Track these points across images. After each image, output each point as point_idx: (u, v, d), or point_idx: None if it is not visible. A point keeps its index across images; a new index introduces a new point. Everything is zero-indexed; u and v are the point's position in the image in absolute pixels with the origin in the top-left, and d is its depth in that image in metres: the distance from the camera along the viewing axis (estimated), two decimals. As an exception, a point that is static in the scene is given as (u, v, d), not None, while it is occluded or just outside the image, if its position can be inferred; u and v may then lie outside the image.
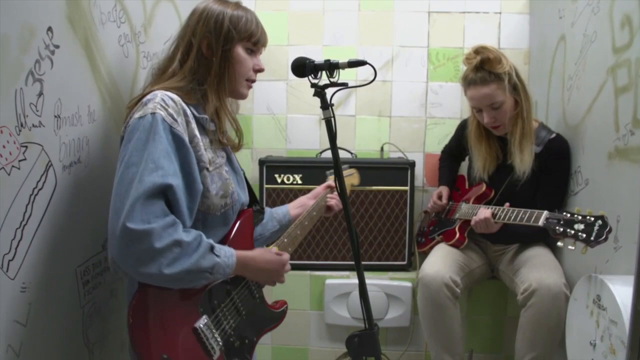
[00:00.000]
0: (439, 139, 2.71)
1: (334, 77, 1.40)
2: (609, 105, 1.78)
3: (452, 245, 2.19)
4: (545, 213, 1.68)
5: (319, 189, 1.83)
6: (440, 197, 2.39)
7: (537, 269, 1.92)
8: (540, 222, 1.68)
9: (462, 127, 2.35)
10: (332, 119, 1.40)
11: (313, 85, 1.42)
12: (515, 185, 2.08)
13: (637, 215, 1.57)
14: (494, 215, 1.93)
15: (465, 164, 2.52)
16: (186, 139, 1.23)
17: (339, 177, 1.41)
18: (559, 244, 1.60)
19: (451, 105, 2.72)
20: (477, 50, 2.01)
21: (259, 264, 1.37)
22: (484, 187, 2.19)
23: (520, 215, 1.79)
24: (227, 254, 1.27)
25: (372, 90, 2.74)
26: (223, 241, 1.36)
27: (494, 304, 2.38)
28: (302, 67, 1.41)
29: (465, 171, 2.48)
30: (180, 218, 1.19)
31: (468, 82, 2.03)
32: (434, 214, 2.47)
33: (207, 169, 1.29)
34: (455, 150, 2.48)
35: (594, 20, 1.93)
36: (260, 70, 1.46)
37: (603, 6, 1.85)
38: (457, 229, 2.20)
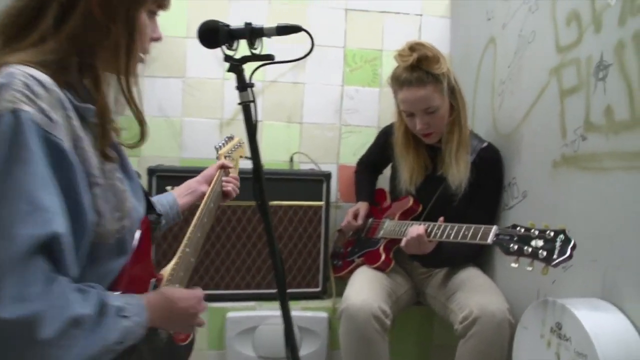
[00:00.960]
0: (354, 149, 2.45)
1: (255, 48, 1.06)
2: (553, 109, 1.60)
3: (377, 269, 1.91)
4: (495, 228, 1.44)
5: (210, 170, 1.50)
6: (356, 217, 2.11)
7: (476, 294, 1.68)
8: (490, 239, 1.43)
9: (386, 133, 2.09)
10: (252, 104, 1.04)
11: (228, 58, 1.06)
12: (447, 199, 1.85)
13: (592, 229, 1.38)
14: (428, 232, 1.66)
15: (383, 177, 2.27)
16: (68, 148, 0.81)
17: (260, 184, 1.06)
18: (514, 264, 1.36)
19: (368, 113, 2.47)
20: (413, 47, 1.76)
21: (173, 306, 0.99)
22: (410, 201, 1.94)
23: (462, 232, 1.53)
24: (137, 310, 0.88)
25: (281, 93, 2.42)
26: (119, 277, 0.94)
27: (419, 332, 2.12)
28: (213, 33, 1.05)
29: (384, 184, 2.23)
30: (65, 272, 0.78)
31: (401, 83, 1.77)
32: (350, 233, 2.18)
33: (98, 183, 0.87)
34: (374, 160, 2.22)
35: (531, 19, 1.77)
36: (158, 39, 1.05)
37: (543, 4, 1.69)
38: (381, 249, 1.92)
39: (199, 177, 1.47)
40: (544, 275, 1.29)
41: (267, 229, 1.00)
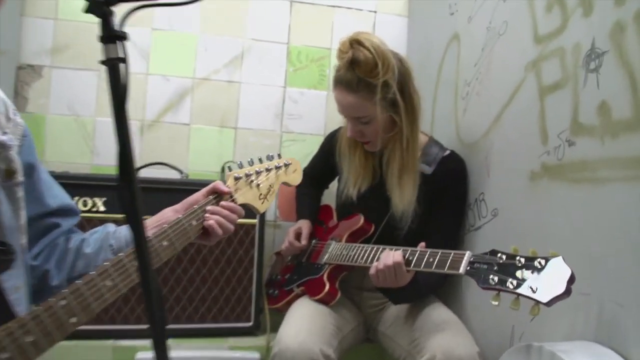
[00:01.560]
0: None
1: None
2: (530, 110, 1.34)
3: (320, 301, 1.58)
4: (468, 255, 1.15)
5: (197, 195, 1.14)
6: (299, 237, 1.78)
7: (439, 333, 1.37)
8: (462, 269, 1.13)
9: (332, 138, 1.79)
10: (123, 63, 0.68)
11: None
12: (401, 219, 1.55)
13: (583, 255, 1.11)
14: (407, 260, 1.31)
15: (330, 193, 1.96)
16: None
17: (129, 184, 0.70)
18: (494, 302, 1.06)
19: (313, 119, 2.16)
20: (352, 43, 1.47)
21: None
22: (361, 221, 1.63)
23: (438, 259, 1.22)
24: None
25: (214, 93, 2.09)
26: None
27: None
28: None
29: (330, 200, 1.91)
30: None
31: (335, 80, 1.53)
32: (289, 258, 1.85)
33: None
34: (319, 172, 1.91)
35: (502, 8, 1.52)
36: None
37: (516, -11, 1.44)
38: (325, 277, 1.60)
39: (178, 205, 1.12)
40: (533, 315, 0.99)
41: (138, 248, 0.64)
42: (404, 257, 1.30)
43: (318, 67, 2.16)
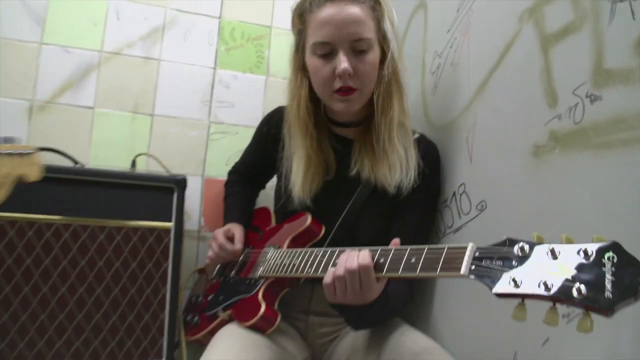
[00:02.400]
0: (227, 156, 1.75)
1: None
2: (529, 68, 1.04)
3: (253, 327, 1.17)
4: (471, 248, 0.79)
5: None
6: (231, 240, 1.38)
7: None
8: (464, 268, 0.77)
9: (270, 121, 1.42)
10: None
11: None
12: (365, 211, 1.20)
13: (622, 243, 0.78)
14: (377, 264, 0.92)
15: (266, 196, 1.58)
16: None
17: None
18: (518, 318, 0.69)
19: (249, 107, 1.80)
20: None
21: None
22: (308, 220, 1.26)
23: (424, 258, 0.84)
24: None
25: (126, 71, 1.70)
26: None
27: None
28: None
29: (266, 201, 1.53)
30: None
31: None
32: (216, 273, 1.44)
33: None
34: (253, 166, 1.53)
35: (482, -44, 1.23)
36: None
37: None
38: (260, 295, 1.20)
39: None
40: (584, 332, 0.64)
41: None
42: (372, 258, 0.93)
43: (255, 47, 1.81)
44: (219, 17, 1.79)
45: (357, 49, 1.15)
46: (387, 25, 1.19)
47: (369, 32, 1.16)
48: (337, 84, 1.16)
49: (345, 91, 1.16)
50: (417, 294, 1.30)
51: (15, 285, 1.32)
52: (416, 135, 1.28)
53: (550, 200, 0.95)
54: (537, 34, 1.03)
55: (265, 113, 1.69)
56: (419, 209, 1.25)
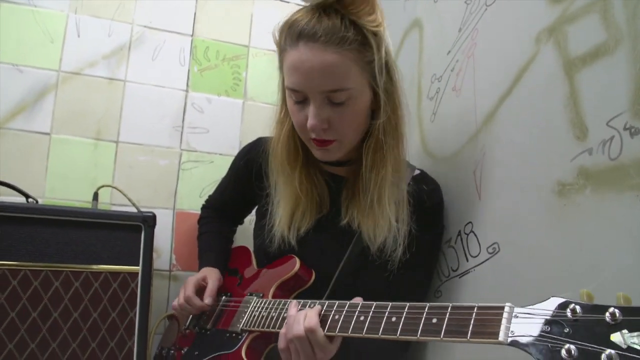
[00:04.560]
0: (201, 188, 1.60)
1: None
2: (550, 94, 0.92)
3: (234, 391, 1.02)
4: (509, 310, 0.65)
5: None
6: (200, 291, 1.21)
7: None
8: (502, 335, 0.63)
9: (249, 152, 1.27)
10: None
11: None
12: (365, 263, 1.06)
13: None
14: (324, 320, 0.85)
15: (243, 229, 1.43)
16: None
17: None
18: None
19: (225, 134, 1.66)
20: None
21: None
22: (297, 265, 1.11)
23: (447, 320, 0.70)
24: None
25: (88, 93, 1.53)
26: None
27: None
28: None
29: (244, 240, 1.38)
30: None
31: (297, 34, 0.95)
32: (189, 322, 1.27)
33: None
34: (232, 201, 1.38)
35: (488, -30, 1.13)
36: None
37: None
38: (244, 352, 1.04)
39: None
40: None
41: None
42: (319, 314, 0.86)
43: (232, 68, 1.67)
44: (192, 35, 1.64)
45: (333, 100, 0.98)
46: (380, 66, 0.99)
47: (350, 82, 0.97)
48: (311, 134, 1.01)
49: (321, 142, 1.02)
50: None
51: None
52: (416, 172, 1.15)
53: (580, 248, 0.83)
54: (559, 57, 0.92)
55: (243, 139, 1.55)
56: (422, 253, 1.11)
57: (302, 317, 0.86)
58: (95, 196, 1.45)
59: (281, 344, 0.90)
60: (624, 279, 0.75)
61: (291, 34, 0.96)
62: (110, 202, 1.51)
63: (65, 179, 1.49)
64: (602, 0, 0.85)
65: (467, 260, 1.08)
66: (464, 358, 1.05)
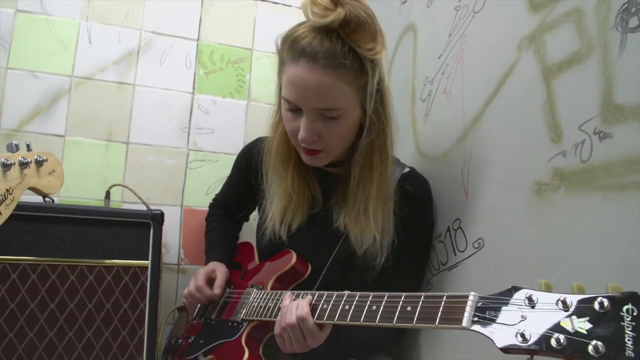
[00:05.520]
0: (207, 186, 1.67)
1: None
2: (530, 99, 0.98)
3: (236, 375, 1.09)
4: (473, 298, 0.72)
5: None
6: (210, 282, 1.29)
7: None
8: (466, 321, 0.70)
9: (249, 153, 1.35)
10: None
11: None
12: (353, 257, 1.12)
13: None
14: (314, 309, 0.93)
15: (250, 228, 1.50)
16: None
17: None
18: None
19: (229, 134, 1.73)
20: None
21: None
22: (293, 259, 1.18)
23: (420, 307, 0.77)
24: None
25: (99, 97, 1.61)
26: None
27: None
28: None
29: (249, 236, 1.45)
30: None
31: (299, 51, 1.01)
32: (196, 313, 1.35)
33: None
34: (234, 199, 1.45)
35: (476, -21, 1.18)
36: None
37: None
38: (243, 340, 1.12)
39: None
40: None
41: None
42: (311, 302, 0.94)
43: (236, 71, 1.74)
44: (197, 40, 1.71)
45: (325, 116, 1.04)
46: (372, 90, 1.05)
47: (342, 101, 1.03)
48: (302, 140, 1.07)
49: (310, 150, 1.09)
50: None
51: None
52: (406, 170, 1.21)
53: (555, 243, 0.89)
54: (538, 64, 0.98)
55: (247, 139, 1.62)
56: (412, 247, 1.18)
57: (294, 306, 0.94)
58: (107, 195, 1.53)
59: (276, 330, 0.99)
60: (591, 269, 0.81)
61: (293, 50, 1.02)
62: (121, 200, 1.59)
63: (79, 179, 1.58)
64: (576, 11, 0.90)
65: (455, 254, 1.15)
66: (454, 349, 1.12)
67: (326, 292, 0.94)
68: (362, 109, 1.08)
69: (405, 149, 1.38)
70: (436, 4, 1.33)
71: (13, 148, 0.90)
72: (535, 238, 0.93)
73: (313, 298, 0.95)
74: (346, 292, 0.89)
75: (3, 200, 0.83)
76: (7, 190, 0.83)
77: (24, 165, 0.88)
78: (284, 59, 1.06)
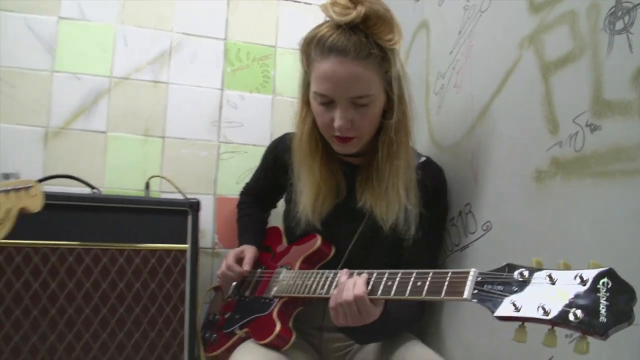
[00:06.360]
0: (237, 175, 1.80)
1: None
2: (530, 94, 1.07)
3: (270, 345, 1.22)
4: (474, 274, 0.83)
5: None
6: (239, 261, 1.42)
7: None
8: (466, 293, 0.82)
9: (276, 147, 1.46)
10: None
11: None
12: (373, 240, 1.24)
13: (620, 270, 0.82)
14: (369, 285, 1.00)
15: (277, 213, 1.63)
16: None
17: None
18: (519, 339, 0.74)
19: (257, 127, 1.85)
20: None
21: None
22: (318, 242, 1.30)
23: (429, 282, 0.89)
24: None
25: (136, 95, 1.74)
26: None
27: None
28: None
29: (277, 222, 1.58)
30: None
31: (328, 48, 1.12)
32: (231, 291, 1.49)
33: None
34: (263, 188, 1.57)
35: (483, -19, 1.27)
36: None
37: (502, -46, 1.19)
38: (275, 314, 1.25)
39: None
40: (581, 354, 0.69)
41: None
42: (367, 282, 0.99)
43: (261, 67, 1.86)
44: (224, 39, 1.83)
45: (357, 104, 1.16)
46: (395, 76, 1.18)
47: (371, 89, 1.15)
48: (336, 132, 1.18)
49: (343, 138, 1.20)
50: (427, 310, 1.35)
51: (42, 308, 1.38)
52: (422, 159, 1.31)
53: (551, 225, 0.99)
54: (537, 61, 1.07)
55: (273, 131, 1.74)
56: (427, 233, 1.28)
57: (351, 283, 1.00)
58: (147, 185, 1.67)
59: (331, 304, 1.04)
60: (582, 248, 0.92)
61: (321, 47, 1.13)
62: (159, 189, 1.73)
63: (120, 171, 1.72)
64: (571, 13, 0.99)
65: (466, 236, 1.26)
66: (471, 323, 1.23)
67: (376, 271, 1.01)
68: (386, 94, 1.19)
69: (420, 139, 1.48)
70: (447, 2, 1.42)
71: (7, 176, 1.07)
72: (535, 221, 1.03)
73: (368, 276, 1.01)
74: (399, 271, 0.96)
75: (6, 217, 1.00)
76: (9, 210, 1.00)
77: (18, 190, 1.04)
78: (311, 58, 1.17)
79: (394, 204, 1.21)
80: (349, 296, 0.99)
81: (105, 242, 1.43)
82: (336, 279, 1.10)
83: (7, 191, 0.99)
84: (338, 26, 1.13)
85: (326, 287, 1.12)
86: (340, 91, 1.13)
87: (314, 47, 1.15)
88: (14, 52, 1.66)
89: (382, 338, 1.24)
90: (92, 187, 1.57)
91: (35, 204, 1.04)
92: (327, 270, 1.15)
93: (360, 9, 1.09)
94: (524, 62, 1.11)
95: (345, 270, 1.07)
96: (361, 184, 1.28)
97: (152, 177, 1.69)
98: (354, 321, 1.01)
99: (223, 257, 1.70)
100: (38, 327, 1.36)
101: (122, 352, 1.43)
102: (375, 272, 1.01)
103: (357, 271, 1.05)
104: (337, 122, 1.15)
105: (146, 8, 1.77)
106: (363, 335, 1.15)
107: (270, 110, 1.85)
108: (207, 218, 1.76)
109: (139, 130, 1.75)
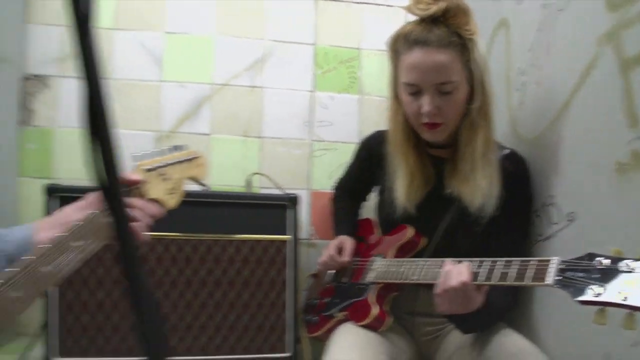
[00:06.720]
0: (330, 171, 1.94)
1: None
2: (610, 89, 1.12)
3: (368, 327, 1.36)
4: (556, 261, 0.92)
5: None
6: (340, 251, 1.57)
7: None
8: (549, 279, 0.91)
9: (369, 143, 1.58)
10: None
11: None
12: (462, 228, 1.33)
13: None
14: (475, 274, 1.09)
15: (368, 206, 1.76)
16: None
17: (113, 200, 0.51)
18: (599, 323, 0.83)
19: (346, 125, 1.98)
20: None
21: None
22: (409, 232, 1.41)
23: (518, 269, 0.99)
24: None
25: (235, 100, 1.92)
26: None
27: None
28: None
29: (368, 214, 1.71)
30: None
31: (412, 41, 1.26)
32: (329, 278, 1.64)
33: None
34: (356, 183, 1.70)
35: (561, -20, 1.32)
36: None
37: (580, -46, 1.24)
38: (371, 299, 1.38)
39: (80, 202, 0.94)
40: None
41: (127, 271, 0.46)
42: (470, 272, 1.08)
43: (347, 69, 1.98)
44: (314, 44, 1.97)
45: (442, 91, 1.26)
46: (475, 63, 1.28)
47: (455, 75, 1.26)
48: (424, 119, 1.29)
49: (432, 125, 1.30)
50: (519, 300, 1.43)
51: (165, 292, 1.59)
52: (506, 152, 1.39)
53: (633, 216, 1.05)
54: (615, 57, 1.11)
55: (361, 129, 1.86)
56: (512, 223, 1.36)
57: (456, 271, 1.09)
58: (248, 182, 1.86)
59: (438, 291, 1.11)
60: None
61: (407, 41, 1.27)
62: (259, 185, 1.91)
63: (223, 169, 1.91)
64: (650, 11, 1.04)
65: (551, 227, 1.32)
66: (567, 311, 1.30)
67: (478, 259, 1.10)
68: (468, 83, 1.29)
69: (503, 132, 1.55)
70: (526, 1, 1.47)
71: (179, 149, 1.19)
72: (617, 211, 1.09)
73: (472, 263, 1.11)
74: (488, 259, 1.07)
75: (178, 186, 1.13)
76: (178, 180, 1.13)
77: (185, 161, 1.16)
78: (398, 52, 1.30)
79: (478, 186, 1.30)
80: (455, 282, 1.07)
81: (215, 233, 1.62)
82: (429, 267, 1.21)
83: (179, 162, 1.12)
84: (421, 21, 1.26)
85: (420, 274, 1.24)
86: (426, 79, 1.25)
87: (400, 42, 1.29)
88: (127, 66, 1.89)
89: (485, 327, 1.30)
90: (203, 185, 1.77)
91: (201, 173, 1.19)
92: (419, 258, 1.26)
93: (442, 3, 1.23)
94: (602, 58, 1.15)
95: (449, 259, 1.16)
96: (448, 174, 1.37)
97: (254, 174, 1.87)
98: (459, 308, 1.10)
99: (318, 248, 1.86)
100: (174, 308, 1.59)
101: (234, 333, 1.62)
102: (471, 261, 1.10)
103: (460, 259, 1.14)
104: (425, 108, 1.27)
105: (240, 20, 1.94)
106: (469, 323, 1.24)
107: (357, 110, 1.98)
108: (303, 211, 1.92)
109: (239, 131, 1.93)
